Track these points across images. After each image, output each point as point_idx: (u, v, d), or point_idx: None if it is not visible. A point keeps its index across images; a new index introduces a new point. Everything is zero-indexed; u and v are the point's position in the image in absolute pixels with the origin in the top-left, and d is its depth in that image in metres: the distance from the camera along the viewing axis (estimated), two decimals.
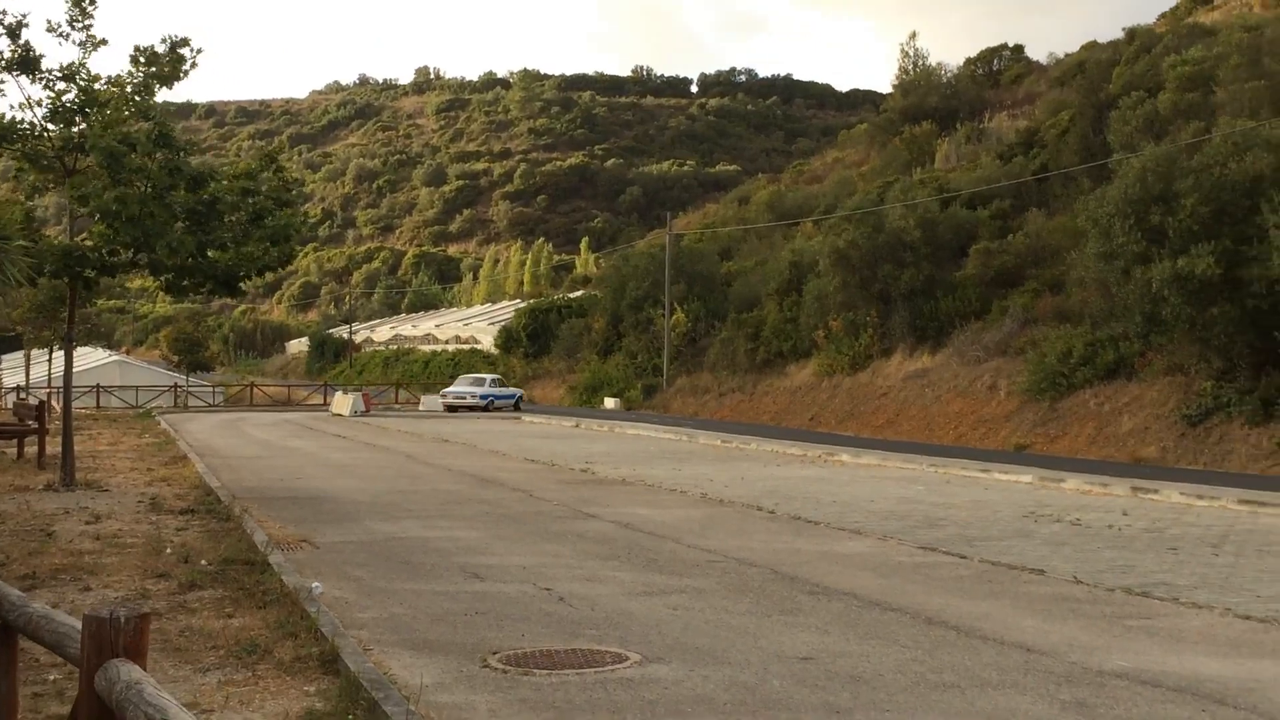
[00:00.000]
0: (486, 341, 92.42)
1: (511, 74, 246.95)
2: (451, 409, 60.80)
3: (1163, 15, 79.37)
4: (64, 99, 22.37)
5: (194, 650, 10.32)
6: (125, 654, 4.74)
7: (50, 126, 22.77)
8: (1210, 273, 29.79)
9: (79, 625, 5.00)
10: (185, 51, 23.08)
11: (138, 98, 22.79)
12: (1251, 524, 20.03)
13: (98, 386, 63.54)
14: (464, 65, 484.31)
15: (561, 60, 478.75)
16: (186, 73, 23.27)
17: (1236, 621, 12.14)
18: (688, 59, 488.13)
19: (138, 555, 15.10)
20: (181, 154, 22.76)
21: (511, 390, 64.08)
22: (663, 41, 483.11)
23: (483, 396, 61.64)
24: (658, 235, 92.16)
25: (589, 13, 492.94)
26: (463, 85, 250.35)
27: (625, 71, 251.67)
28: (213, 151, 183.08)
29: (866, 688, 9.42)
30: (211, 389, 73.79)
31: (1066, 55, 78.23)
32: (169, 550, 15.45)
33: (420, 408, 64.61)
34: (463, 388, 63.04)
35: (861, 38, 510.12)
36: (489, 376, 65.60)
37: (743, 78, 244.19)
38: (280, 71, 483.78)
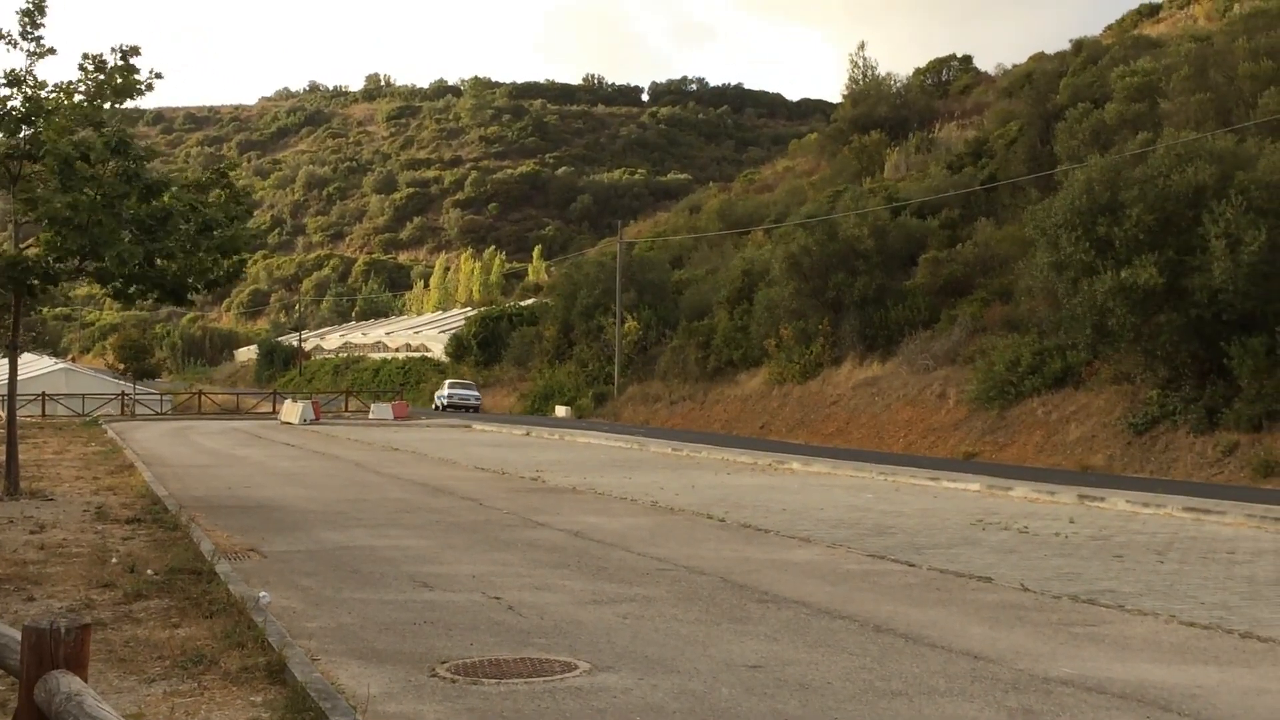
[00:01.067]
0: (437, 350, 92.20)
1: (463, 81, 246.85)
2: (450, 409, 69.13)
3: (1109, 27, 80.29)
4: (9, 105, 22.15)
5: (139, 661, 10.22)
6: (66, 665, 4.69)
7: None
8: (1154, 283, 30.07)
9: (19, 636, 4.93)
10: (137, 62, 22.87)
11: (86, 105, 22.57)
12: (1196, 531, 20.22)
13: (43, 394, 62.94)
14: (415, 72, 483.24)
15: (513, 68, 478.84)
16: (142, 91, 23.05)
17: (1181, 628, 12.24)
18: (638, 68, 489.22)
19: (83, 565, 14.95)
20: (139, 161, 22.51)
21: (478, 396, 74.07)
22: (613, 50, 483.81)
23: (475, 397, 72.31)
24: (609, 243, 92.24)
25: (539, 21, 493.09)
26: (413, 92, 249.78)
27: (576, 80, 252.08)
28: (161, 159, 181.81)
29: (815, 696, 9.44)
30: (159, 397, 73.19)
31: (1015, 66, 78.99)
32: (115, 560, 15.30)
33: (370, 416, 64.39)
34: (463, 390, 73.25)
35: (810, 46, 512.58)
36: (469, 382, 76.76)
37: (694, 87, 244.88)
38: (229, 78, 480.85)
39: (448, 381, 77.34)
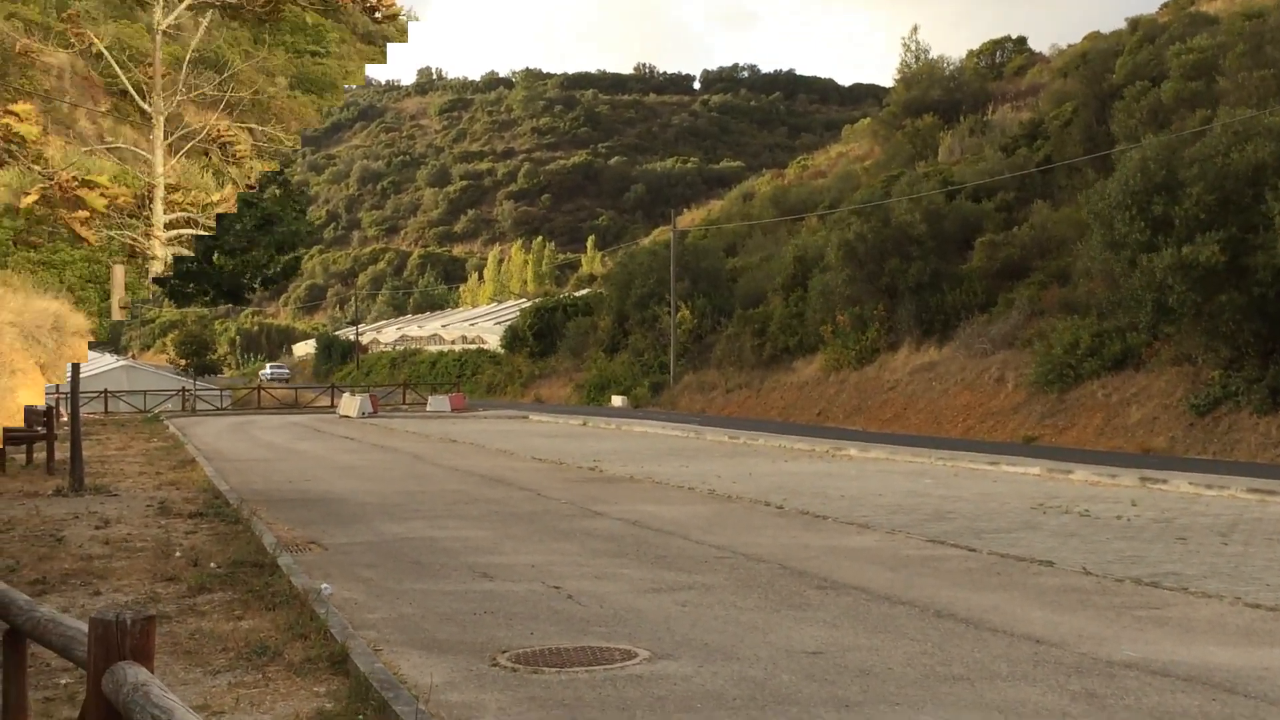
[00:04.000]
0: (492, 341, 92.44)
1: (514, 73, 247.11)
2: (273, 380, 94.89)
3: (1165, 4, 79.17)
4: None
5: (204, 653, 10.34)
6: (132, 656, 4.75)
7: None
8: (1215, 260, 29.72)
9: (86, 628, 5.00)
10: None
11: None
12: (1260, 512, 19.99)
13: (105, 391, 63.69)
14: (466, 65, 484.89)
15: (563, 59, 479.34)
16: None
17: (1246, 610, 12.11)
18: (689, 56, 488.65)
19: (147, 559, 15.13)
20: None
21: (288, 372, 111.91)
22: (659, 38, 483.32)
23: (286, 373, 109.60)
24: (662, 233, 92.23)
25: (588, 10, 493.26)
26: (465, 85, 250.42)
27: (627, 69, 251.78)
28: None
29: (876, 681, 9.42)
30: (219, 392, 73.87)
31: (1069, 46, 78.14)
32: (178, 554, 15.47)
33: (427, 408, 64.73)
34: (278, 370, 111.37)
35: (859, 29, 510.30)
36: (282, 364, 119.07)
37: (745, 74, 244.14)
38: None
39: (269, 364, 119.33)
